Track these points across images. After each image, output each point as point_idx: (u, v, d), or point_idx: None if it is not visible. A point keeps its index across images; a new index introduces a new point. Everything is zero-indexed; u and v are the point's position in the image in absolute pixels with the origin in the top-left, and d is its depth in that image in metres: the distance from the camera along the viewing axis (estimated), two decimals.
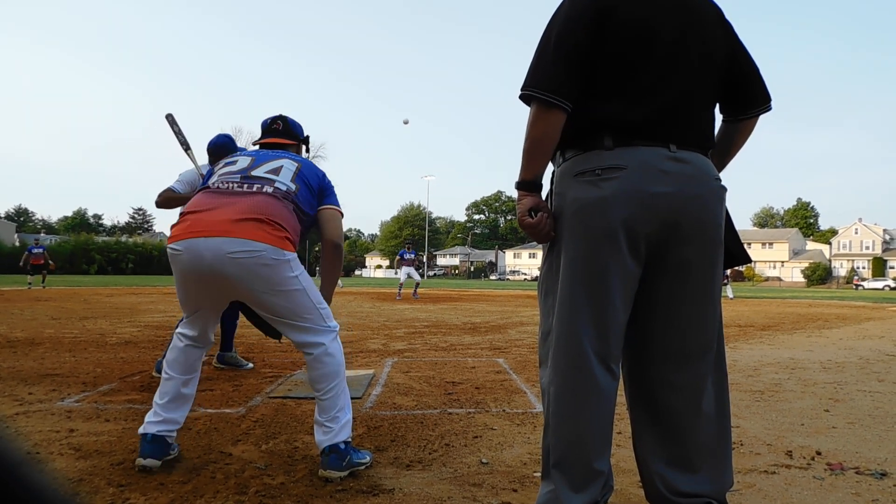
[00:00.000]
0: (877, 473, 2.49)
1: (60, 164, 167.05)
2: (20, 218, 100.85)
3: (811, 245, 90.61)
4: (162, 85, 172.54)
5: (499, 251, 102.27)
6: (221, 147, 4.08)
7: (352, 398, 3.73)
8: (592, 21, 1.74)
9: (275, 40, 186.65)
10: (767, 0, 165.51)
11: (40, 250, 21.16)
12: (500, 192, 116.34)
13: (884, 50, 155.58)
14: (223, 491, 2.16)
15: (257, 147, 2.97)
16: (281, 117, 3.02)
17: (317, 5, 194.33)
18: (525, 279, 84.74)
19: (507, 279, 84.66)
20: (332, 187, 2.81)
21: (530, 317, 11.40)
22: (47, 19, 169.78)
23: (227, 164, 2.68)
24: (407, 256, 19.01)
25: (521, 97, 1.80)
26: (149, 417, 2.44)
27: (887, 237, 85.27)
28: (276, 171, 2.62)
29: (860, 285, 63.88)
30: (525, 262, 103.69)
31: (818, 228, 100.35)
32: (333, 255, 2.76)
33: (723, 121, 2.02)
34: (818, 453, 2.77)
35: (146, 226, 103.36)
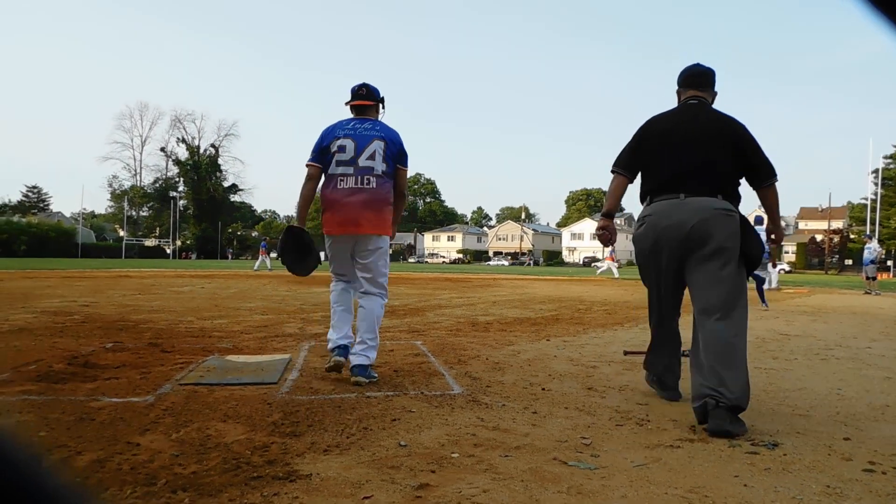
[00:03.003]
0: (769, 444, 2.67)
1: None
2: None
3: None
4: (54, 49, 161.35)
5: (417, 234, 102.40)
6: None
7: (268, 383, 3.68)
8: (641, 134, 3.45)
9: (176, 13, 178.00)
10: None
11: None
12: (419, 174, 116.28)
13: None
14: (130, 483, 2.06)
15: (350, 108, 4.11)
16: (364, 85, 4.10)
17: None
18: (444, 262, 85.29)
19: (426, 262, 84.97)
20: (405, 152, 4.03)
21: (448, 299, 11.50)
22: None
23: (339, 151, 3.85)
24: None
25: (611, 170, 3.50)
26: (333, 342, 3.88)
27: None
28: (373, 156, 3.84)
29: None
30: (444, 244, 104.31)
31: None
32: (400, 202, 4.08)
33: None
34: None
35: (42, 205, 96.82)
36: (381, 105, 4.17)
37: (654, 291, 3.46)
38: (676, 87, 3.57)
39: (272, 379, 3.81)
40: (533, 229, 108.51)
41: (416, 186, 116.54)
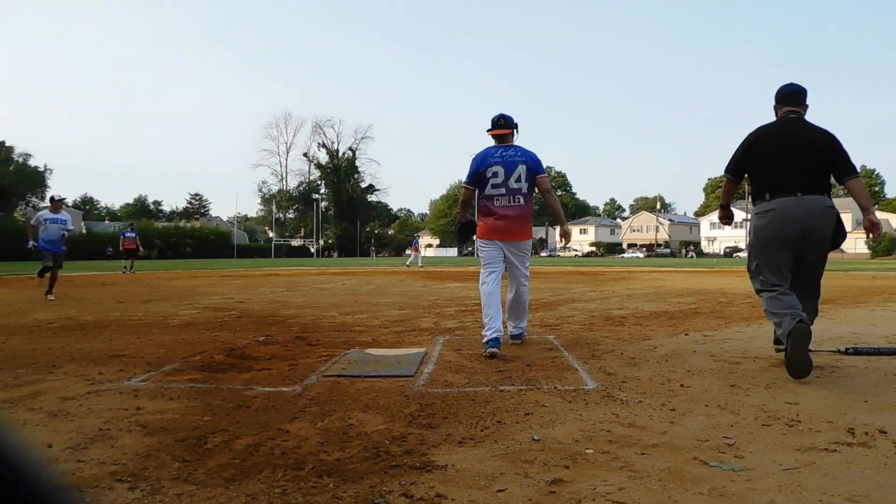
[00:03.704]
0: None
1: (121, 153, 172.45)
2: (86, 206, 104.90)
3: (877, 215, 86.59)
4: (212, 69, 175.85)
5: (549, 227, 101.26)
6: None
7: (405, 376, 3.81)
8: (751, 143, 4.21)
9: (326, 16, 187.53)
10: None
11: (133, 235, 21.48)
12: (549, 167, 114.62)
13: None
14: (281, 466, 2.23)
15: (491, 136, 5.10)
16: (502, 116, 5.08)
17: None
18: (576, 255, 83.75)
19: (558, 255, 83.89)
20: (541, 163, 5.00)
21: (582, 293, 11.30)
22: (99, 13, 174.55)
23: (493, 176, 4.87)
24: None
25: (724, 174, 4.41)
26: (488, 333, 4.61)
27: None
28: (519, 178, 4.86)
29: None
30: (576, 237, 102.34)
31: (884, 197, 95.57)
32: (550, 197, 5.12)
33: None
34: (882, 431, 2.67)
35: (203, 210, 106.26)
36: (515, 130, 5.13)
37: (766, 268, 4.15)
38: (774, 104, 4.34)
39: (409, 372, 3.94)
40: (669, 219, 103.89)
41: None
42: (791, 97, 4.25)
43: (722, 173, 4.42)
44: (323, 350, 4.82)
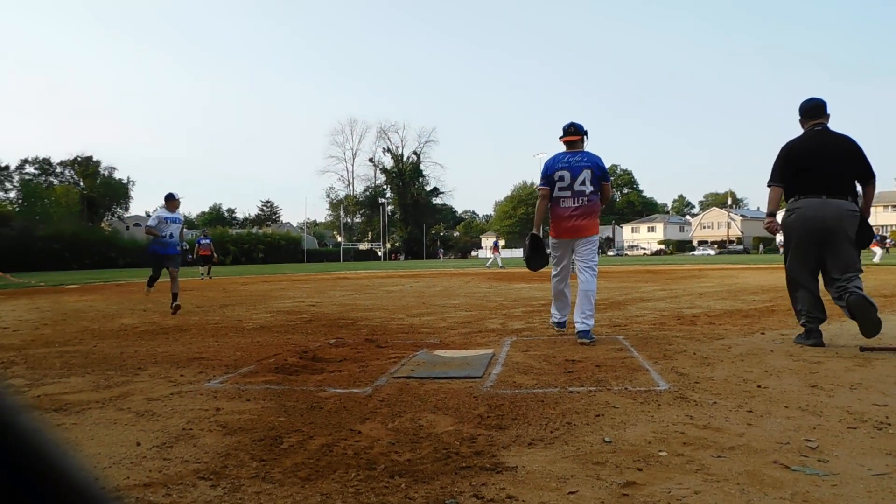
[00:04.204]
0: None
1: (197, 164, 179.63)
2: None
3: None
4: (280, 78, 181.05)
5: (616, 226, 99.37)
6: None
7: (473, 377, 3.82)
8: (787, 154, 4.81)
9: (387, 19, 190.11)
10: None
11: (207, 242, 22.55)
12: (615, 165, 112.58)
13: None
14: (354, 466, 2.28)
15: (563, 142, 5.49)
16: (572, 124, 5.49)
17: None
18: (644, 254, 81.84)
19: (626, 254, 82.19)
20: (606, 171, 5.49)
21: (650, 292, 11.04)
22: (175, 28, 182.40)
23: (559, 180, 5.35)
24: None
25: (768, 185, 4.89)
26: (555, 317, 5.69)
27: None
28: (584, 181, 5.30)
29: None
30: (644, 235, 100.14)
31: None
32: (603, 204, 5.57)
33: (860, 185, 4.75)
34: None
35: (274, 217, 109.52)
36: (585, 136, 5.52)
37: (796, 264, 4.84)
38: (799, 119, 4.93)
39: (477, 373, 3.95)
40: (741, 215, 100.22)
41: (612, 178, 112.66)
42: (814, 111, 4.86)
43: (767, 185, 4.94)
44: (392, 352, 4.88)
